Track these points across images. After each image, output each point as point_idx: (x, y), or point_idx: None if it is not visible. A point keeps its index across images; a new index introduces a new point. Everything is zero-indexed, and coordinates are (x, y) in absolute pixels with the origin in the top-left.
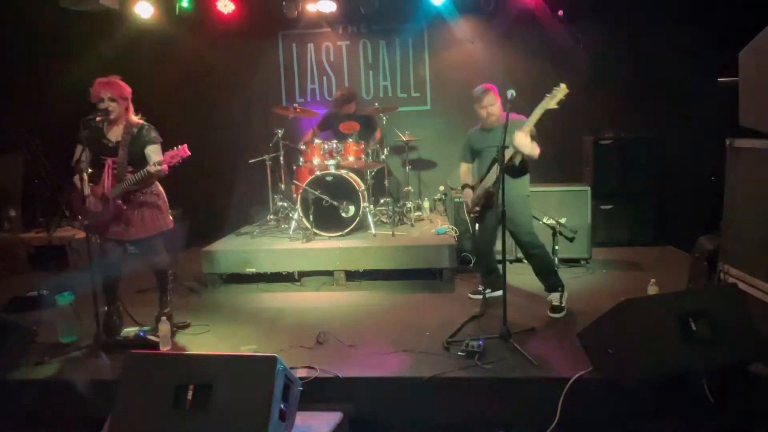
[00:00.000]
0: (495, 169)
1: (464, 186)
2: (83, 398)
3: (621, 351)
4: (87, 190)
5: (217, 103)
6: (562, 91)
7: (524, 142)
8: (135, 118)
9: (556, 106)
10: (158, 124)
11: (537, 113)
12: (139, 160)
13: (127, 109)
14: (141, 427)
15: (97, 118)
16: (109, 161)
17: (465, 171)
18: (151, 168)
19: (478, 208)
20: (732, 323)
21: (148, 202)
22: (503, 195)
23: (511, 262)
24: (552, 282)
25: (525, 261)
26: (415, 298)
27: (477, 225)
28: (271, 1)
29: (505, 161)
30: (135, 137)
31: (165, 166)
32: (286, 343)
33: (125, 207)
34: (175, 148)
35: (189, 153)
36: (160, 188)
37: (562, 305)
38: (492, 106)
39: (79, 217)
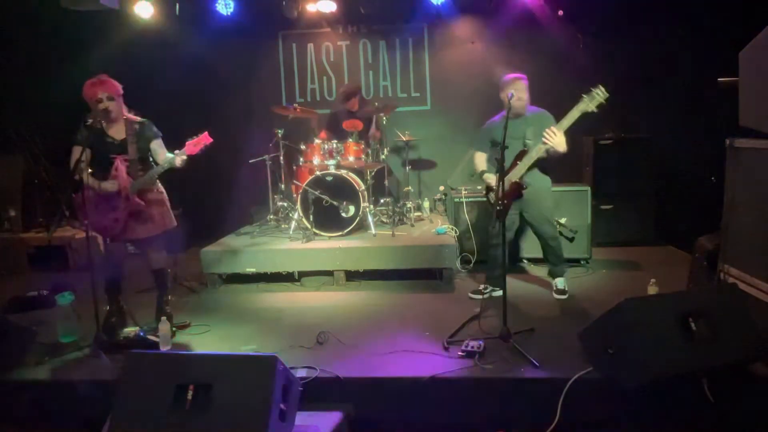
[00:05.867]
0: (523, 162)
1: (483, 172)
2: (83, 398)
3: (621, 351)
4: (97, 183)
5: (217, 103)
6: (602, 94)
7: (561, 141)
8: (131, 115)
9: (595, 110)
10: (158, 124)
11: (574, 115)
12: (145, 156)
13: (121, 106)
14: (141, 427)
15: (98, 119)
16: (119, 159)
17: (481, 158)
18: (177, 160)
19: (504, 201)
20: (732, 323)
21: (157, 200)
22: (503, 190)
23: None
24: (560, 268)
25: (525, 261)
26: (415, 298)
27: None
28: (271, 1)
29: (535, 156)
30: (139, 133)
31: (186, 156)
32: (286, 343)
33: (143, 203)
34: (195, 136)
35: (212, 140)
36: (161, 187)
37: (566, 289)
38: (524, 93)
39: (84, 220)
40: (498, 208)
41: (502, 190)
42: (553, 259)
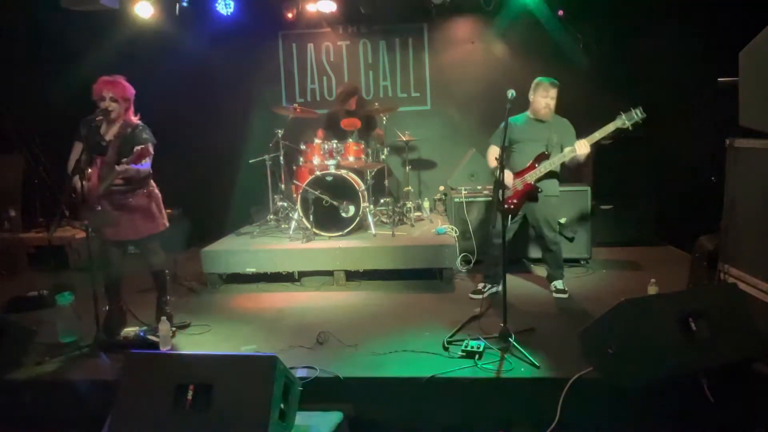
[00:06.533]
0: (543, 166)
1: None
2: (83, 398)
3: (621, 351)
4: (82, 189)
5: (217, 103)
6: (639, 114)
7: (587, 153)
8: (133, 119)
9: (630, 128)
10: (158, 125)
11: (608, 128)
12: (120, 161)
13: (127, 110)
14: (141, 427)
15: (97, 118)
16: (98, 160)
17: (495, 153)
18: (119, 167)
19: (515, 201)
20: (732, 323)
21: (140, 204)
22: (503, 193)
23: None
24: (559, 273)
25: (525, 260)
26: (415, 298)
27: (507, 217)
28: (271, 1)
29: (558, 163)
30: (128, 137)
31: (132, 166)
32: (286, 343)
33: (110, 207)
34: (138, 148)
35: (151, 152)
36: (155, 190)
37: (566, 289)
38: (554, 101)
39: (82, 219)
40: (506, 206)
41: (502, 190)
42: (552, 263)
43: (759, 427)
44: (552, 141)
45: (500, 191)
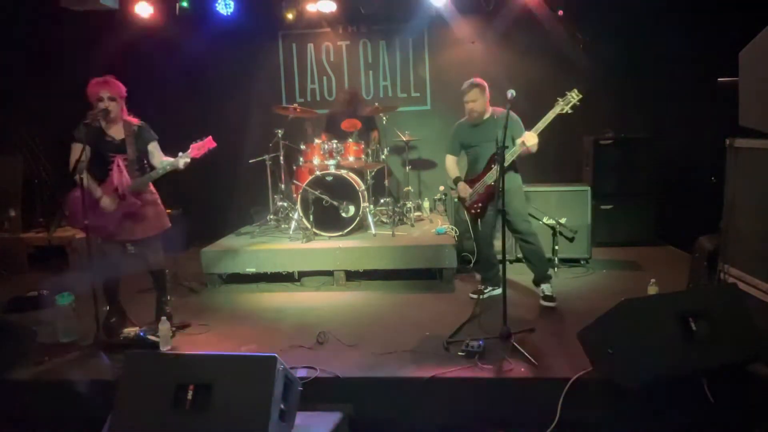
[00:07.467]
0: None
1: (457, 179)
2: (83, 398)
3: (621, 351)
4: (98, 191)
5: (217, 103)
6: (576, 97)
7: (535, 143)
8: (130, 117)
9: (569, 111)
10: (158, 124)
11: (549, 117)
12: (141, 157)
13: (122, 108)
14: (141, 427)
15: (97, 118)
16: (118, 158)
17: (453, 163)
18: (180, 162)
19: (480, 204)
20: (732, 323)
21: (150, 201)
22: (503, 192)
23: (511, 261)
24: (543, 272)
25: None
26: (415, 298)
27: (479, 221)
28: (271, 1)
29: (510, 159)
30: (137, 135)
31: (189, 160)
32: (286, 343)
33: (140, 204)
34: (199, 140)
35: (215, 144)
36: (153, 188)
37: (554, 295)
38: (475, 102)
39: (76, 219)
40: (473, 211)
41: (502, 185)
42: (534, 261)
43: (759, 427)
44: (500, 138)
45: (498, 186)
